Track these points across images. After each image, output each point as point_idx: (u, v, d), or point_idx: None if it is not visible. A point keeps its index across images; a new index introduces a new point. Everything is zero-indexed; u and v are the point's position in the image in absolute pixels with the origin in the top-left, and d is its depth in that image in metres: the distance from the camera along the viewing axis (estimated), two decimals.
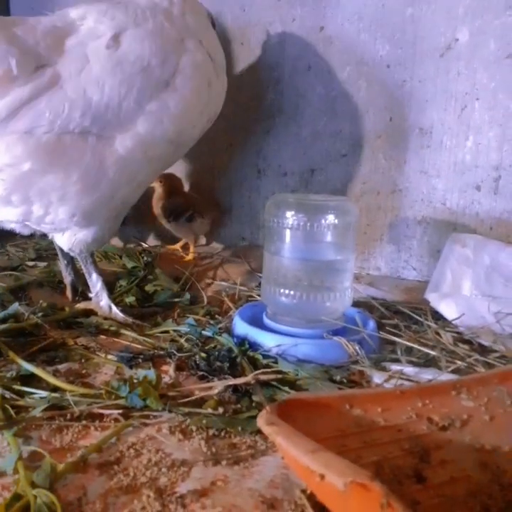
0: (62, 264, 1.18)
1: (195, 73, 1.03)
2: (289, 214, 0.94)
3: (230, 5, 1.48)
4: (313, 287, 0.94)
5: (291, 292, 0.94)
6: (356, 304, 1.05)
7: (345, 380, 0.81)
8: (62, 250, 1.16)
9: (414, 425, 0.61)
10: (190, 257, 1.53)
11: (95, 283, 1.09)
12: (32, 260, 1.41)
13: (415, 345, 0.91)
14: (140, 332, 1.00)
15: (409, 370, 0.83)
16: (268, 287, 0.98)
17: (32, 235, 1.13)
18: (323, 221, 0.93)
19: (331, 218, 0.94)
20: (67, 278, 1.18)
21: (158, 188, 1.52)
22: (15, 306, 0.97)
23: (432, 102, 1.29)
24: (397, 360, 0.88)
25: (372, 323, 0.97)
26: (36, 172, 0.92)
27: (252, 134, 1.53)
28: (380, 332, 0.95)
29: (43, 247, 1.55)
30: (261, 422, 0.53)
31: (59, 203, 0.96)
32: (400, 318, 1.06)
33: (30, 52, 0.90)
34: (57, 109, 0.90)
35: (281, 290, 0.95)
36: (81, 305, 1.11)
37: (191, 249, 1.56)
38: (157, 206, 1.53)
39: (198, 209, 1.53)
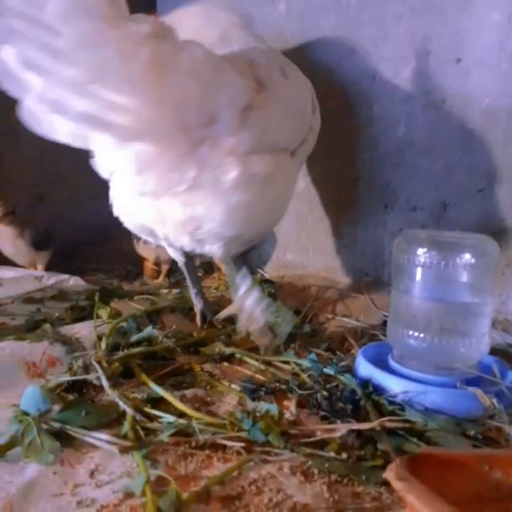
0: (192, 293, 1.24)
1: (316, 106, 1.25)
2: (420, 251, 0.89)
3: (363, 40, 1.48)
4: (445, 331, 0.88)
5: (421, 335, 0.89)
6: (492, 351, 0.96)
7: (480, 436, 0.73)
8: (193, 280, 1.22)
9: None
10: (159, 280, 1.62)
11: (244, 279, 1.13)
12: (166, 288, 1.50)
13: None
14: (265, 354, 1.02)
15: None
16: (395, 328, 0.93)
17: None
18: (458, 260, 0.88)
19: (467, 257, 0.87)
20: (198, 306, 1.23)
21: None
22: (149, 330, 1.03)
23: None
24: None
25: (511, 374, 0.88)
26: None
27: (380, 167, 1.50)
28: None
29: (174, 275, 1.64)
30: (390, 476, 0.50)
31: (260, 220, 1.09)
32: None
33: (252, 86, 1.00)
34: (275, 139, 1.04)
35: (410, 332, 0.90)
36: (223, 313, 1.16)
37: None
38: None
39: None
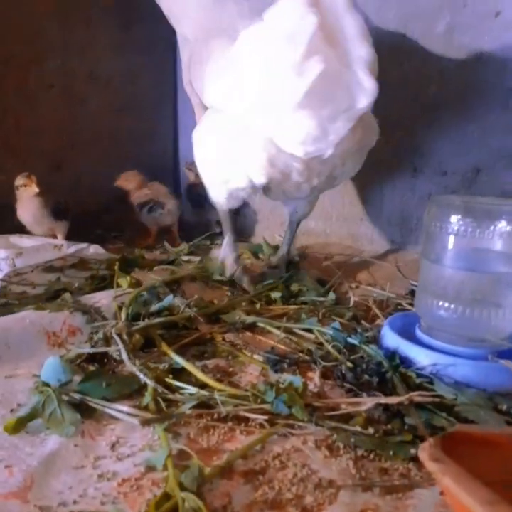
0: (226, 242, 1.26)
1: None
2: (454, 218, 0.84)
3: None
4: (477, 302, 0.84)
5: (452, 306, 0.85)
6: None
7: None
8: (232, 229, 1.25)
9: None
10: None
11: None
12: (186, 255, 1.48)
13: None
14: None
15: None
16: (424, 298, 0.90)
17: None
18: (492, 228, 0.83)
19: (503, 225, 0.83)
20: (230, 256, 1.25)
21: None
22: (169, 299, 1.01)
23: None
24: None
25: None
26: None
27: (410, 128, 1.43)
28: None
29: (195, 243, 1.62)
30: (424, 456, 0.47)
31: None
32: None
33: None
34: None
35: (440, 302, 0.86)
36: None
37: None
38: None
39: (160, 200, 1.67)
